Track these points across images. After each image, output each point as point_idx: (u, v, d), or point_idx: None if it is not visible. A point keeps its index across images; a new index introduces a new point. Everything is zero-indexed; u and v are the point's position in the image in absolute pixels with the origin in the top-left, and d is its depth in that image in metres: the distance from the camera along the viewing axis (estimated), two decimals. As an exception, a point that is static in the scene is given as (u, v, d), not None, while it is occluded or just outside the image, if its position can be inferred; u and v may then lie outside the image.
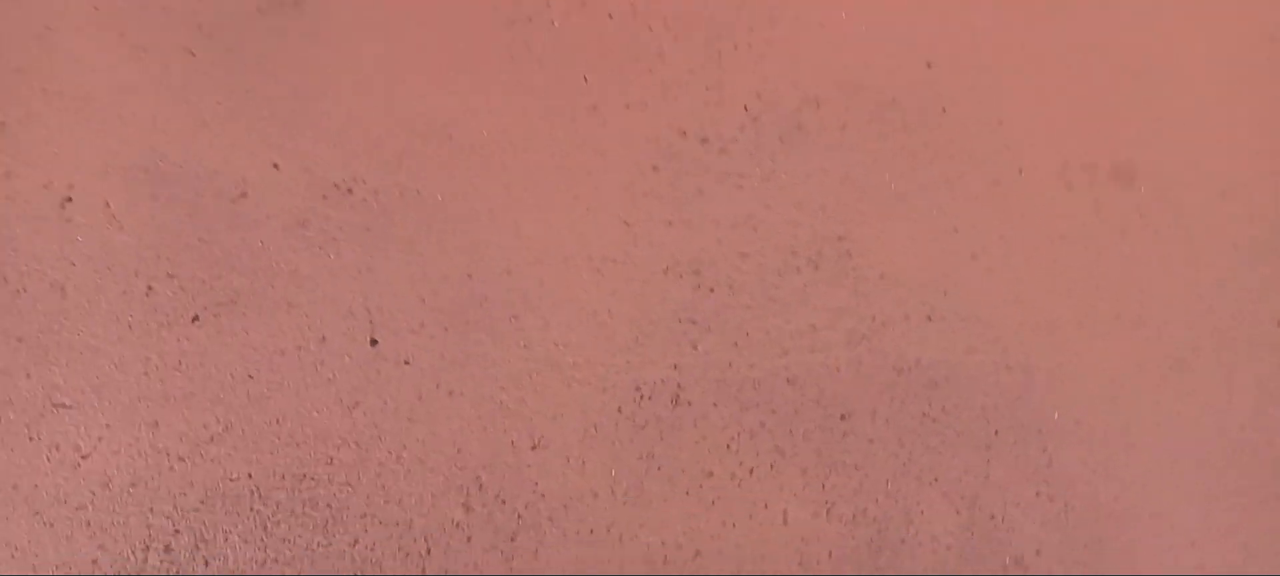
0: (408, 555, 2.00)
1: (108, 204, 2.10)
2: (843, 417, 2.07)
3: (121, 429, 2.06)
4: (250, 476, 2.08)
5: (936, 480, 2.01)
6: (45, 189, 2.06)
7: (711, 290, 2.21)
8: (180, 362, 2.12)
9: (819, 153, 2.41)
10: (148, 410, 2.09)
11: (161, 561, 2.01)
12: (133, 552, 2.02)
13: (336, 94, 2.19)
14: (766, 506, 2.00)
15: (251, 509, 2.04)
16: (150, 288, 2.13)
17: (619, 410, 2.08)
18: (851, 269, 2.24)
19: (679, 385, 2.11)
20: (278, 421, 2.13)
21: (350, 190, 2.23)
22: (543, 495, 2.02)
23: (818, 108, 2.46)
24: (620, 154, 2.40)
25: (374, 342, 2.19)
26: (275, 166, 2.19)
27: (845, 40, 2.55)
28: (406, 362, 2.17)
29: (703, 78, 2.49)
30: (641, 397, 2.09)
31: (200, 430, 2.10)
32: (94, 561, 2.00)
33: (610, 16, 2.52)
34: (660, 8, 2.57)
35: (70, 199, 2.08)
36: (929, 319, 2.16)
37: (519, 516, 2.01)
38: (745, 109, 2.46)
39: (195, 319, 2.18)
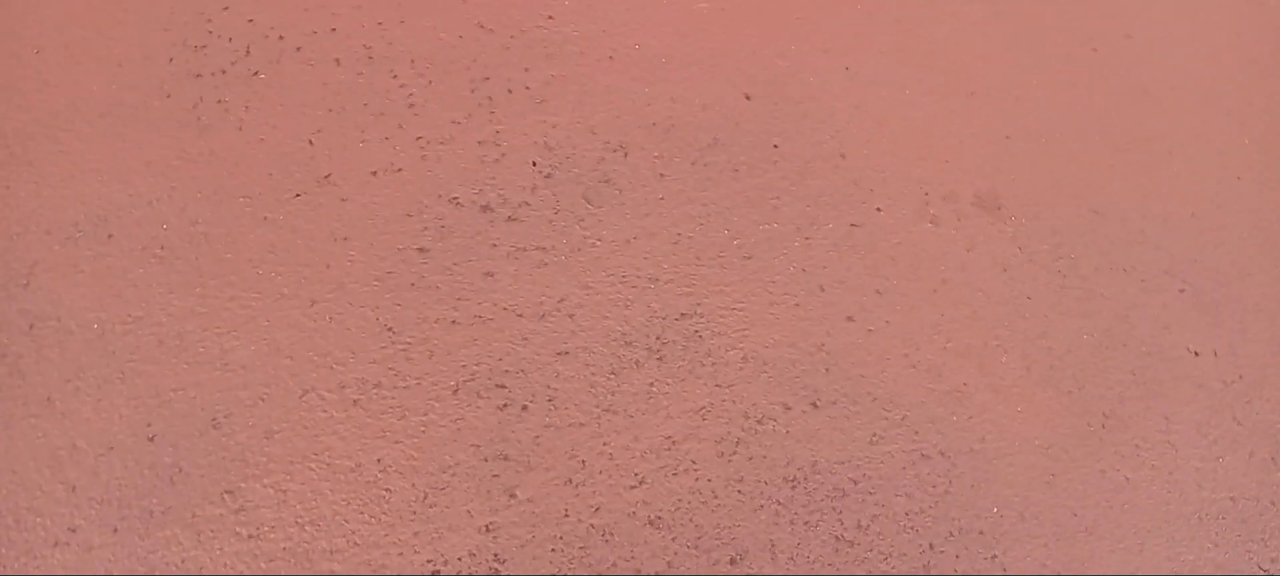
0: None
1: None
2: (733, 562, 1.56)
3: None
4: None
5: (869, 623, 1.53)
6: None
7: (524, 408, 1.66)
8: None
9: (637, 210, 1.99)
10: None
11: None
12: None
13: None
14: None
15: None
16: None
17: (407, 611, 1.44)
18: (705, 354, 1.77)
19: (496, 556, 1.51)
20: None
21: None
22: None
23: (625, 156, 2.07)
24: (371, 236, 1.82)
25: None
26: None
27: (644, 74, 2.18)
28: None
29: (472, 131, 2.00)
30: (440, 585, 1.47)
31: None
32: None
33: (338, 62, 1.99)
34: (403, 48, 2.06)
35: None
36: (815, 405, 1.73)
37: None
38: (534, 165, 2.01)
39: None
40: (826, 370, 1.90)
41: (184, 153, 1.93)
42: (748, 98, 2.27)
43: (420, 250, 1.87)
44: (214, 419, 1.63)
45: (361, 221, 1.89)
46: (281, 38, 2.14)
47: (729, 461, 1.75)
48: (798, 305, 1.98)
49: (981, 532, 1.77)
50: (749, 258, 2.02)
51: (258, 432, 1.62)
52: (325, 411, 1.66)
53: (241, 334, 1.70)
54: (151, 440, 1.60)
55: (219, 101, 2.02)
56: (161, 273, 1.77)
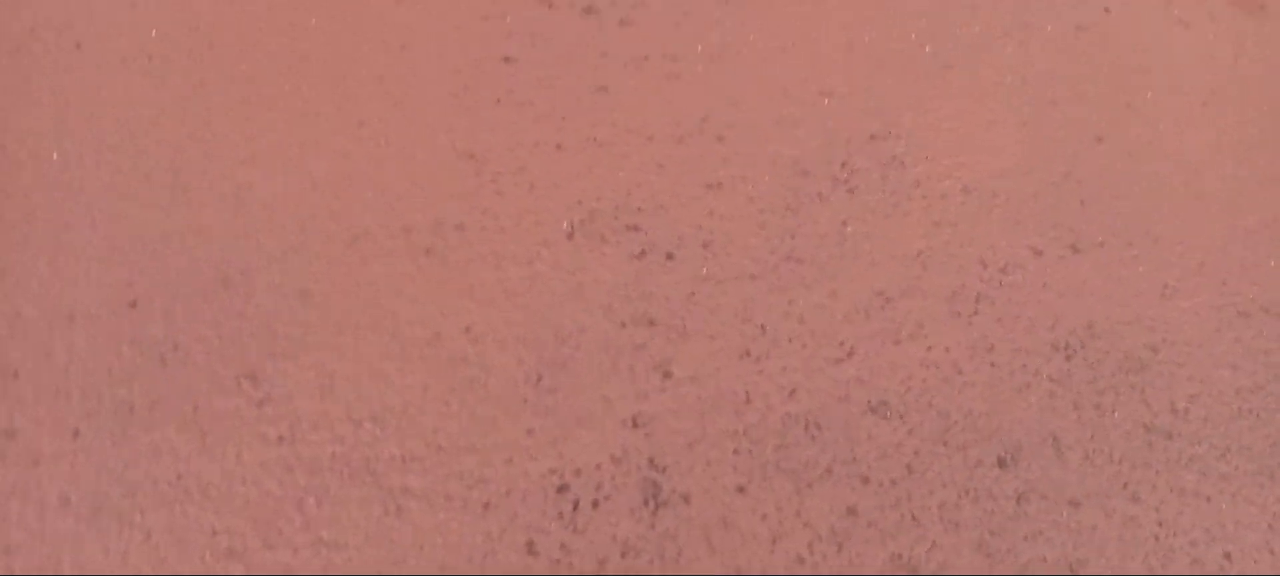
0: None
1: None
2: (1002, 463, 1.04)
3: None
4: None
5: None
6: None
7: (669, 256, 1.14)
8: None
9: (791, 12, 1.48)
10: None
11: None
12: None
13: None
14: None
15: None
16: None
17: (531, 546, 0.92)
18: (912, 184, 1.25)
19: (653, 461, 0.99)
20: None
21: None
22: None
23: None
24: (437, 43, 1.31)
25: None
26: None
27: None
28: None
29: None
30: (576, 506, 0.95)
31: None
32: None
33: None
34: None
35: None
36: (1074, 249, 1.21)
37: None
38: (653, -45, 1.47)
39: None
40: (1082, 203, 1.35)
41: (180, -52, 1.43)
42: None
43: (506, 60, 1.34)
44: (225, 276, 1.11)
45: (423, 25, 1.37)
46: None
47: (970, 323, 1.21)
48: (1025, 124, 1.43)
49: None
50: (949, 66, 1.47)
51: (289, 293, 1.10)
52: (385, 263, 1.14)
53: (262, 164, 1.19)
54: (133, 306, 1.09)
55: (226, -110, 1.52)
56: (149, 89, 1.26)
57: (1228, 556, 1.03)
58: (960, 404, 1.11)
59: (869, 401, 1.09)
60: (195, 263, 1.08)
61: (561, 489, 0.98)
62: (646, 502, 0.98)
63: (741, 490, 1.00)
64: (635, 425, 1.04)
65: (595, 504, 0.96)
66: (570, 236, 1.17)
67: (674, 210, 1.22)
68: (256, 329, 1.05)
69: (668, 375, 1.08)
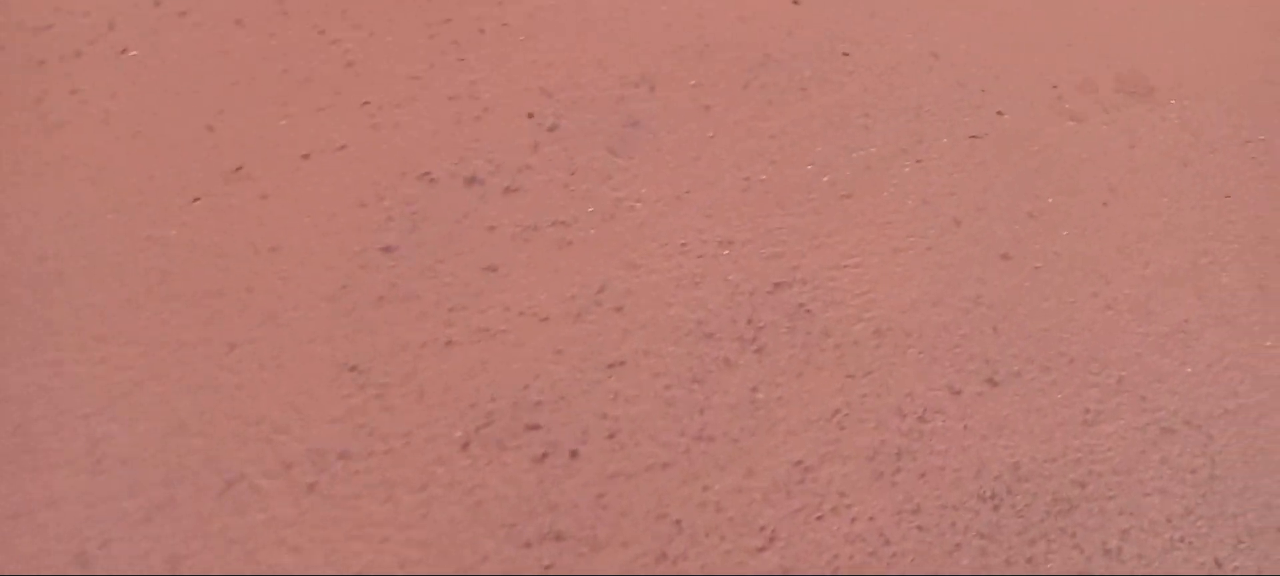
0: None
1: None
2: None
3: None
4: None
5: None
6: None
7: (573, 454, 1.08)
8: None
9: (683, 154, 1.43)
10: None
11: None
12: None
13: None
14: None
15: None
16: None
17: None
18: (821, 335, 1.22)
19: None
20: None
21: None
22: None
23: (652, 90, 1.52)
24: (310, 241, 1.23)
25: None
26: None
27: (658, -13, 1.63)
28: None
29: (437, 85, 1.44)
30: None
31: None
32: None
33: (240, 23, 1.45)
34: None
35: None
36: (992, 382, 1.19)
37: None
38: (530, 116, 1.44)
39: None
40: (995, 329, 1.32)
41: (21, 164, 1.33)
42: (795, 2, 1.72)
43: (385, 250, 1.27)
44: (81, 553, 1.01)
45: (294, 222, 1.29)
46: (158, 2, 1.56)
47: (893, 484, 1.16)
48: (930, 248, 1.40)
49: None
50: (848, 195, 1.44)
51: (155, 564, 1.01)
52: (264, 509, 1.06)
53: (121, 411, 1.10)
54: (-23, 605, 0.99)
55: (73, 92, 1.43)
56: (-9, 338, 1.17)
57: None
58: (892, 580, 1.06)
59: (800, 594, 1.04)
60: (45, 543, 0.98)
61: None
62: None
63: None
64: (547, 663, 0.96)
65: None
66: (465, 447, 1.10)
67: (575, 399, 1.16)
68: (120, 613, 0.95)
69: (577, 595, 1.01)
